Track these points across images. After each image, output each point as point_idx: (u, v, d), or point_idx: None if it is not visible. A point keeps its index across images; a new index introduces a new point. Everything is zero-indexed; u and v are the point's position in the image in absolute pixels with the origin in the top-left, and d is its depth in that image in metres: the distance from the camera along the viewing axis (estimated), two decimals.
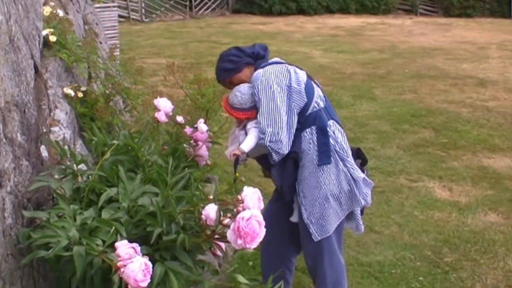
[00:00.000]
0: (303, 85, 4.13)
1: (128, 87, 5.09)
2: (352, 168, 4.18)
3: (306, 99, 4.10)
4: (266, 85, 4.05)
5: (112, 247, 2.57)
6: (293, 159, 4.14)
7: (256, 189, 2.86)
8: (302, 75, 4.20)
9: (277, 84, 4.06)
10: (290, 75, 4.12)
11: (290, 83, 4.09)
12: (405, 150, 9.16)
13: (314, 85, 4.25)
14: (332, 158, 4.12)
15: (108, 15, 14.22)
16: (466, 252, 5.94)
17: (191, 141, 3.62)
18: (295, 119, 4.07)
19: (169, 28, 25.46)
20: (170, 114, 3.69)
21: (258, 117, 4.04)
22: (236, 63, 4.29)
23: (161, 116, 3.61)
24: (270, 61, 4.34)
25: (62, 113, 4.15)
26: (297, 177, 4.20)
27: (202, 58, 16.54)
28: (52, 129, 3.90)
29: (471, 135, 9.89)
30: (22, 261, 2.75)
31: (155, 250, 2.84)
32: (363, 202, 4.23)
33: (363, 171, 4.29)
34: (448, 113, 11.22)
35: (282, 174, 4.19)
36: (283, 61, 4.37)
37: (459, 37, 23.12)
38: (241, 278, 2.93)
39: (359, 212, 4.33)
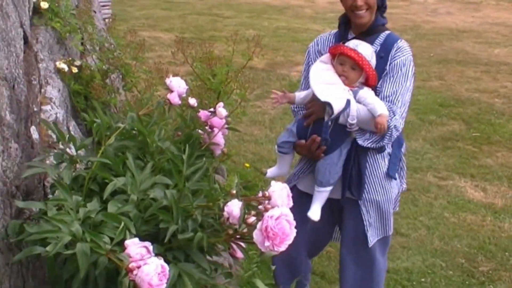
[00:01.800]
0: None
1: (128, 63, 5.02)
2: (403, 182, 4.32)
3: None
4: (413, 68, 3.97)
5: (120, 245, 2.51)
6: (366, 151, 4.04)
7: (285, 185, 2.80)
8: None
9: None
10: (414, 67, 4.04)
11: (414, 77, 4.02)
12: (432, 144, 9.11)
13: None
14: (397, 174, 4.17)
15: None
16: (504, 261, 5.90)
17: (206, 127, 3.55)
18: None
19: None
20: (184, 95, 3.63)
21: (394, 93, 3.89)
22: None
23: (174, 98, 3.53)
24: (395, 34, 4.15)
25: (54, 90, 4.09)
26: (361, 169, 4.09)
27: (203, 32, 16.45)
28: (43, 108, 3.85)
29: (506, 129, 9.82)
30: (13, 257, 2.69)
31: (167, 249, 2.78)
32: None
33: None
34: (480, 103, 11.15)
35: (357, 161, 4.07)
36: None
37: (490, 18, 23.01)
38: (260, 284, 2.89)
39: None
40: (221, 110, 3.47)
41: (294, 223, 2.63)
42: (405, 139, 4.28)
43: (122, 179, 2.88)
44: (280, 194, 2.74)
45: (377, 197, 4.05)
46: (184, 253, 2.81)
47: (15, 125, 3.19)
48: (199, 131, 3.53)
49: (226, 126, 3.55)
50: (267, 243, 2.55)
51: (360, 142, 3.91)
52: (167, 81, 3.59)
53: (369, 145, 3.90)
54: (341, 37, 4.13)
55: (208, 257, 2.93)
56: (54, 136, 3.45)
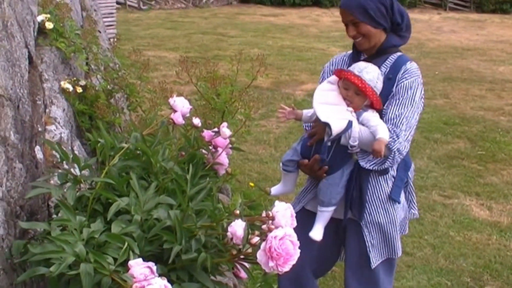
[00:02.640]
0: None
1: (133, 82, 5.03)
2: (413, 208, 4.24)
3: None
4: (421, 91, 3.89)
5: (124, 266, 2.51)
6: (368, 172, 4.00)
7: (289, 205, 2.79)
8: None
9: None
10: (423, 89, 3.96)
11: (422, 100, 3.95)
12: (437, 162, 9.10)
13: None
14: (403, 197, 4.11)
15: (105, 1, 14.17)
16: (510, 280, 5.88)
17: (210, 147, 3.55)
18: None
19: (170, 18, 25.48)
20: (187, 115, 3.63)
21: (399, 116, 3.83)
22: (380, 18, 3.92)
23: (177, 118, 3.53)
24: (406, 56, 4.06)
25: (59, 110, 4.10)
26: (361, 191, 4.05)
27: (208, 52, 16.51)
28: (48, 127, 3.86)
29: (511, 147, 9.82)
30: (17, 278, 2.68)
31: (170, 269, 2.77)
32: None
33: None
34: (485, 121, 11.16)
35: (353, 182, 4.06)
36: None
37: (495, 35, 23.08)
38: None
39: None
40: (225, 130, 3.46)
41: (298, 243, 2.63)
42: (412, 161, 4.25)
43: (126, 199, 2.88)
44: (283, 214, 2.74)
45: (379, 219, 4.03)
46: (188, 273, 2.81)
47: (20, 145, 3.20)
48: (203, 151, 3.53)
49: (230, 146, 3.55)
50: (271, 264, 2.55)
51: (362, 163, 3.87)
52: (171, 101, 3.59)
53: (371, 167, 3.85)
54: (354, 58, 4.12)
55: (212, 277, 2.93)
56: (58, 156, 3.45)
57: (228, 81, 5.74)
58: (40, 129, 3.73)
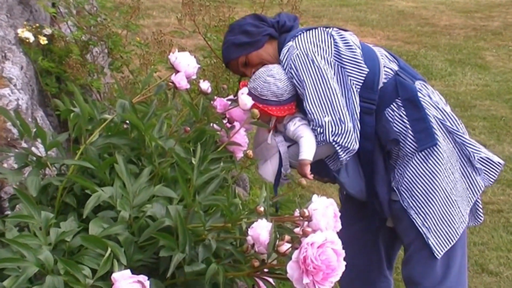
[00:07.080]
0: (358, 49, 4.10)
1: (117, 32, 5.05)
2: (464, 143, 4.21)
3: (367, 68, 4.07)
4: (306, 59, 4.00)
5: (106, 279, 2.53)
6: (388, 152, 4.16)
7: (331, 201, 2.81)
8: (350, 37, 4.18)
9: (321, 56, 4.00)
10: (334, 40, 4.08)
11: (339, 51, 4.06)
12: None
13: (371, 45, 4.25)
14: (438, 134, 4.13)
15: None
16: None
17: (224, 121, 3.57)
18: (356, 100, 4.03)
19: None
20: (194, 77, 3.64)
21: (306, 106, 3.96)
22: (255, 35, 4.17)
23: (180, 81, 3.54)
24: (300, 28, 4.26)
25: (15, 68, 4.12)
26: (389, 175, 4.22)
27: None
28: (0, 91, 3.87)
29: None
30: None
31: (169, 286, 2.80)
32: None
33: None
34: None
35: (373, 179, 4.18)
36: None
37: None
38: None
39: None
40: (245, 98, 3.48)
41: (342, 253, 2.64)
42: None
43: (109, 190, 2.91)
44: (324, 213, 2.75)
45: (420, 193, 4.17)
46: None
47: None
48: (215, 126, 3.55)
49: (251, 120, 3.57)
50: (306, 280, 2.57)
51: (333, 166, 4.17)
52: (172, 57, 3.60)
53: (337, 166, 4.16)
54: None
55: None
56: (15, 131, 3.48)
57: None
58: None
